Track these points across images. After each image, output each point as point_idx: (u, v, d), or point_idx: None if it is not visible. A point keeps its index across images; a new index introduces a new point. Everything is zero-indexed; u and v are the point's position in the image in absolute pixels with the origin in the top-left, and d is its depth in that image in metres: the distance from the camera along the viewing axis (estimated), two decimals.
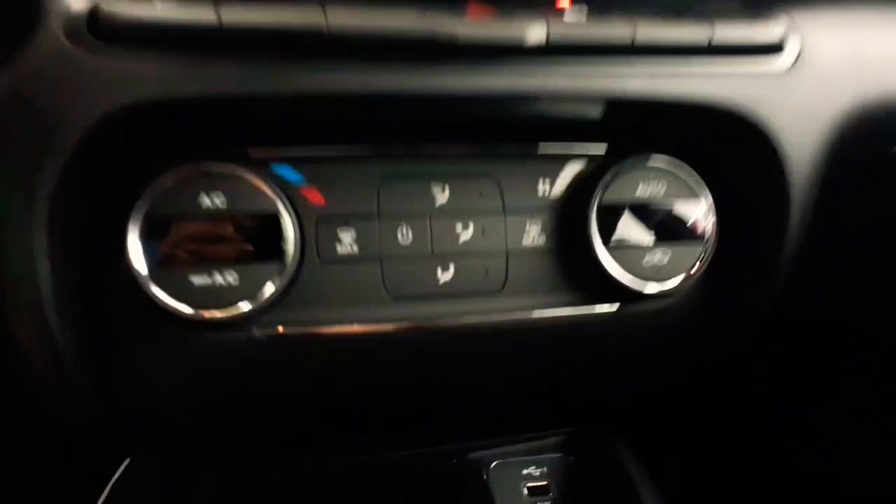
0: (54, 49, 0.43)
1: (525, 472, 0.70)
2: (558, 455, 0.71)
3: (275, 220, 0.49)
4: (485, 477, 0.69)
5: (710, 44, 0.51)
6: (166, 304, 0.46)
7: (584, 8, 0.50)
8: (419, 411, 0.64)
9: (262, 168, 0.50)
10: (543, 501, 0.68)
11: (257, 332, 0.49)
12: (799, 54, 0.55)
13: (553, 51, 0.48)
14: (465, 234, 0.54)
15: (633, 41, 0.49)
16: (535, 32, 0.47)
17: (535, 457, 0.71)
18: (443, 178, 0.54)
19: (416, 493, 0.71)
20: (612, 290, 0.55)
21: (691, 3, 0.54)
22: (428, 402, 0.62)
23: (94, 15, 0.43)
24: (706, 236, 0.56)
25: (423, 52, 0.46)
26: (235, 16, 0.44)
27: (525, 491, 0.68)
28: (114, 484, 0.87)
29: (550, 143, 0.56)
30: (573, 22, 0.48)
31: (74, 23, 0.43)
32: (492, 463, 0.70)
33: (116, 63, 0.43)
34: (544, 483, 0.69)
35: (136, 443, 0.70)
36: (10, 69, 0.43)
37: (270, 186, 0.49)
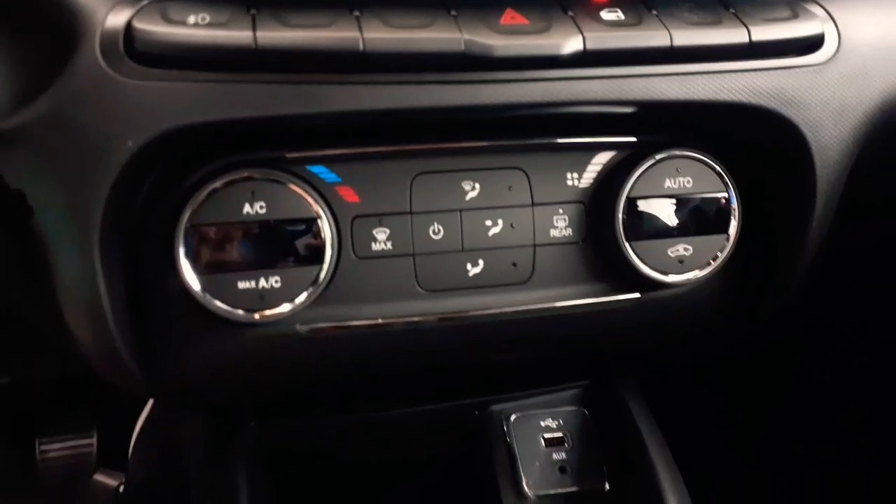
0: (93, 72, 0.43)
1: (543, 424, 0.75)
2: (574, 408, 0.77)
3: (313, 222, 0.51)
4: (505, 428, 0.75)
5: (749, 45, 0.50)
6: (216, 308, 0.49)
7: (619, 8, 0.49)
8: (447, 379, 0.69)
9: (299, 169, 0.51)
10: (559, 451, 0.74)
11: (300, 328, 0.53)
12: (837, 47, 0.54)
13: (589, 59, 0.47)
14: (495, 228, 0.55)
15: (671, 47, 0.48)
16: (571, 44, 0.46)
17: (552, 409, 0.76)
18: (473, 173, 0.55)
19: (441, 443, 0.77)
20: (636, 279, 0.57)
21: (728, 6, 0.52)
22: (456, 375, 0.66)
23: (129, 35, 0.43)
24: (730, 228, 0.57)
25: (460, 67, 0.46)
26: (271, 36, 0.43)
27: (542, 442, 0.74)
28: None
29: (579, 136, 0.56)
30: (610, 27, 0.48)
31: (111, 43, 0.43)
32: (511, 416, 0.76)
33: (156, 86, 0.43)
34: (560, 435, 0.75)
35: (183, 410, 0.76)
36: (51, 93, 0.43)
37: (308, 190, 0.51)
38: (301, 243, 0.51)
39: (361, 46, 0.44)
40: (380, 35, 0.44)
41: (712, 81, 0.51)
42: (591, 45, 0.46)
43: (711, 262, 0.57)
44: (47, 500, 1.08)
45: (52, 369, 0.98)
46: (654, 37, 0.48)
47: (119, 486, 1.05)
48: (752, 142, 0.56)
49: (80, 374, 1.04)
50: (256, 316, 0.50)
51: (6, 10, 0.45)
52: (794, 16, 0.52)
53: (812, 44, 0.52)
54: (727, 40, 0.49)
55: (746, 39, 0.49)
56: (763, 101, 0.52)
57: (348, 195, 0.53)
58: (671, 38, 0.48)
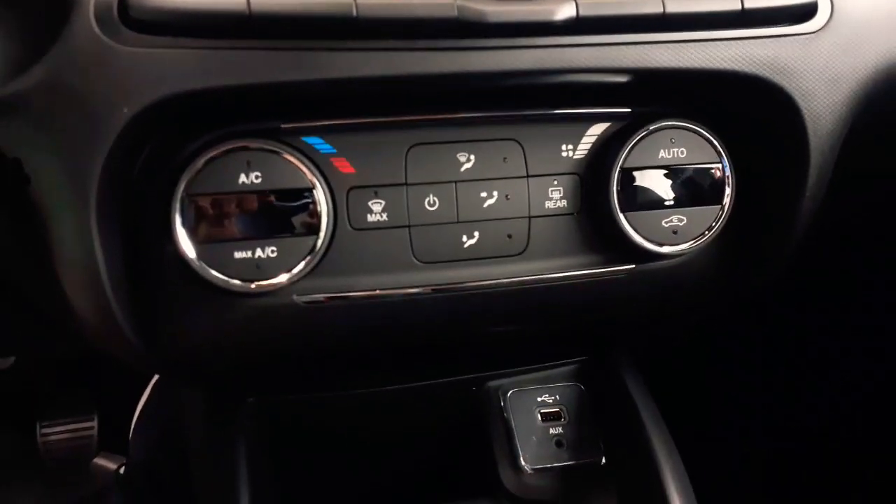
0: (88, 39, 0.43)
1: (539, 399, 0.76)
2: (571, 384, 0.77)
3: (309, 192, 0.51)
4: (502, 404, 0.75)
5: (741, 13, 0.50)
6: (213, 278, 0.50)
7: None
8: (444, 354, 0.69)
9: (294, 140, 0.51)
10: (556, 426, 0.75)
11: (297, 298, 0.53)
12: (830, 15, 0.54)
13: (581, 25, 0.48)
14: (490, 199, 0.55)
15: (663, 13, 0.48)
16: (565, 10, 0.46)
17: (548, 385, 0.77)
18: (468, 144, 0.55)
19: (439, 418, 0.78)
20: (631, 250, 0.57)
21: None
22: (453, 348, 0.67)
23: (123, 2, 0.43)
24: (724, 199, 0.57)
25: (452, 33, 0.46)
26: (264, 2, 0.44)
27: (539, 416, 0.75)
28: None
29: (574, 107, 0.56)
30: None
31: (106, 11, 0.43)
32: (509, 391, 0.76)
33: (151, 53, 0.44)
34: (557, 409, 0.75)
35: (182, 384, 0.76)
36: (47, 60, 0.44)
37: (303, 160, 0.51)
38: (297, 213, 0.51)
39: (355, 12, 0.44)
40: (373, 1, 0.44)
41: (705, 49, 0.51)
42: (584, 12, 0.46)
43: (706, 232, 0.58)
44: (48, 482, 1.09)
45: (53, 352, 0.98)
46: (646, 4, 0.48)
47: (119, 467, 1.06)
48: (746, 112, 0.57)
49: (80, 358, 1.05)
50: (253, 286, 0.51)
51: None
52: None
53: (805, 12, 0.53)
54: (720, 7, 0.49)
55: (739, 7, 0.49)
56: (756, 70, 0.52)
57: (343, 166, 0.53)
58: (664, 5, 0.48)
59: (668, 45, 0.50)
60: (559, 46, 0.48)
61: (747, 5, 0.50)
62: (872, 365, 1.02)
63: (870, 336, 1.00)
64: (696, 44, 0.50)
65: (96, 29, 0.43)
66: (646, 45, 0.49)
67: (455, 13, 0.45)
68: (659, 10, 0.48)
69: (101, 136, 0.44)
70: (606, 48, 0.49)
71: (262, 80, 0.45)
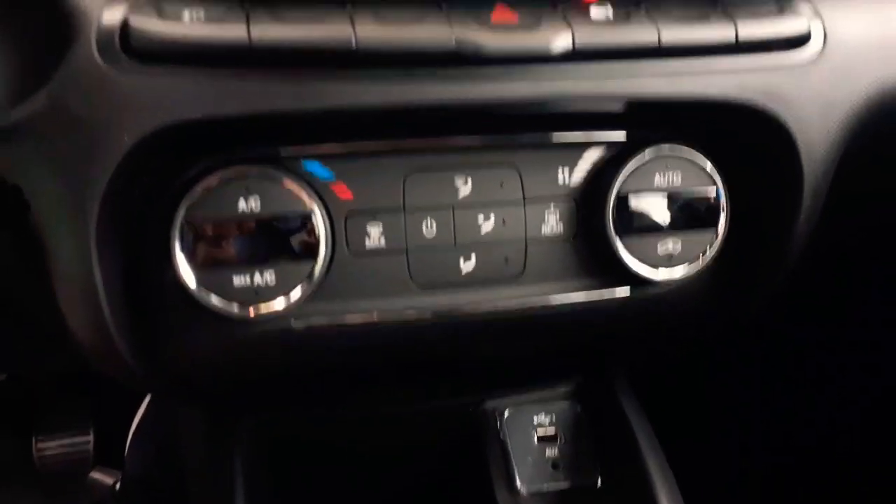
0: (89, 67, 0.44)
1: (536, 420, 0.76)
2: (567, 403, 0.77)
3: (307, 217, 0.51)
4: (498, 425, 0.75)
5: (735, 42, 0.51)
6: (211, 305, 0.50)
7: (608, 4, 0.50)
8: (442, 376, 0.70)
9: (293, 165, 0.52)
10: (552, 447, 0.75)
11: (294, 323, 0.53)
12: (823, 44, 0.55)
13: (578, 55, 0.48)
14: (487, 224, 0.56)
15: (659, 43, 0.49)
16: (561, 41, 0.47)
17: (545, 405, 0.77)
18: (465, 170, 0.55)
19: (436, 439, 0.78)
20: (626, 275, 0.58)
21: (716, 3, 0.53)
22: (450, 369, 0.67)
23: (125, 31, 0.44)
24: (719, 224, 0.58)
25: (450, 63, 0.47)
26: (265, 33, 0.44)
27: (535, 438, 0.75)
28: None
29: (570, 132, 0.57)
30: (599, 25, 0.48)
31: (107, 40, 0.44)
32: (505, 411, 0.76)
33: (152, 83, 0.44)
34: (553, 431, 0.76)
35: (178, 404, 0.76)
36: (48, 88, 0.44)
37: (303, 186, 0.51)
38: (295, 239, 0.51)
39: (354, 45, 0.45)
40: (372, 33, 0.45)
41: (700, 78, 0.51)
42: (580, 42, 0.47)
43: (700, 257, 0.58)
44: (44, 496, 1.09)
45: (50, 366, 0.99)
46: (642, 34, 0.48)
47: (115, 483, 1.06)
48: (740, 137, 0.57)
49: (77, 371, 1.05)
50: (252, 313, 0.51)
51: (3, 6, 0.45)
52: (781, 11, 0.53)
53: (798, 41, 0.53)
54: (714, 37, 0.50)
55: (733, 36, 0.50)
56: (750, 98, 0.52)
57: (342, 192, 0.54)
58: (659, 35, 0.48)
59: (664, 74, 0.50)
60: (555, 77, 0.48)
61: (741, 34, 0.50)
62: (869, 380, 1.02)
63: (866, 351, 1.01)
64: (691, 72, 0.51)
65: (98, 57, 0.44)
66: (641, 75, 0.50)
67: (453, 45, 0.46)
68: (654, 39, 0.48)
69: (102, 163, 0.45)
70: (602, 77, 0.49)
71: (262, 110, 0.46)
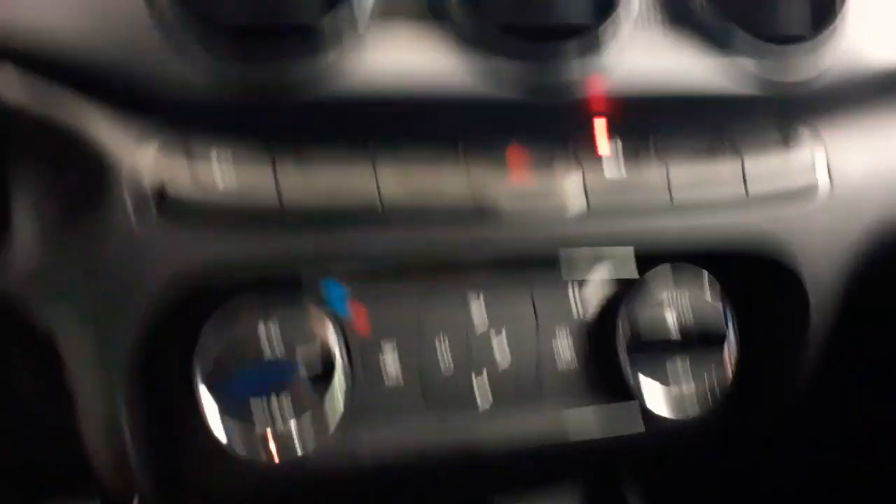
0: (121, 221, 0.45)
1: None
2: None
3: (325, 343, 0.53)
4: None
5: (746, 197, 0.52)
6: (237, 453, 0.52)
7: (620, 153, 0.52)
8: (453, 489, 0.71)
9: (312, 289, 0.53)
10: None
11: (313, 462, 0.54)
12: (830, 191, 0.56)
13: (592, 216, 0.50)
14: (500, 348, 0.58)
15: (671, 203, 0.51)
16: (576, 202, 0.49)
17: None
18: (479, 295, 0.57)
19: None
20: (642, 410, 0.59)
21: (723, 136, 0.55)
22: (462, 484, 0.68)
23: (160, 195, 0.45)
24: (727, 348, 0.60)
25: (470, 220, 0.49)
26: (295, 196, 0.46)
27: None
28: None
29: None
30: (612, 185, 0.50)
31: (140, 196, 0.45)
32: None
33: (183, 240, 0.46)
34: None
35: None
36: (80, 234, 0.46)
37: (320, 311, 0.53)
38: (312, 364, 0.53)
39: (380, 207, 0.47)
40: (396, 189, 0.47)
41: (711, 232, 0.54)
42: (594, 204, 0.49)
43: (709, 396, 0.59)
44: None
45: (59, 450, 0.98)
46: (654, 194, 0.50)
47: None
48: (748, 269, 0.59)
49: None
50: (276, 459, 0.52)
51: (39, 159, 0.47)
52: (790, 161, 0.55)
53: (806, 191, 0.55)
54: (725, 195, 0.52)
55: (743, 193, 0.52)
56: (759, 247, 0.54)
57: (360, 317, 0.55)
58: (671, 195, 0.50)
59: (676, 229, 0.52)
60: (570, 232, 0.50)
61: (752, 191, 0.52)
62: None
63: None
64: (702, 227, 0.53)
65: (131, 213, 0.45)
66: (654, 229, 0.52)
67: (472, 204, 0.48)
68: (666, 200, 0.50)
69: (132, 313, 0.46)
70: (615, 233, 0.51)
71: (290, 264, 0.47)
